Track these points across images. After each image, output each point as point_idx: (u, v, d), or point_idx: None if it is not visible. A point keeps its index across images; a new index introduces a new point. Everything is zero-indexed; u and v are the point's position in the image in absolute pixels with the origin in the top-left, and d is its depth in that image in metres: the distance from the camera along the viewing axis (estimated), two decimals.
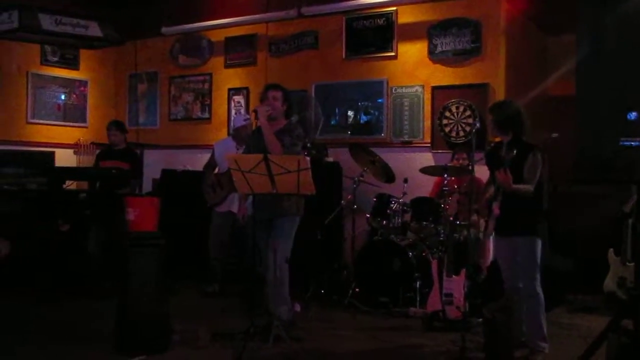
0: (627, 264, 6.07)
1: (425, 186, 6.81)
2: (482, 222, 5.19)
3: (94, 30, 8.25)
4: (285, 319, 5.13)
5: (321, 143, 7.63)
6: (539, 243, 4.69)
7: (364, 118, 7.79)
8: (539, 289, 4.71)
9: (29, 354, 4.72)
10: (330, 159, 7.48)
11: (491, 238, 5.10)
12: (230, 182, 6.43)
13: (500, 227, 4.71)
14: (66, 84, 9.36)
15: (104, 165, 7.19)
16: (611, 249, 6.24)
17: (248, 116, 6.93)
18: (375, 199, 6.62)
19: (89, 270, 6.76)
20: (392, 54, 7.60)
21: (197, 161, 7.82)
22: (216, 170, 6.90)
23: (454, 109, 7.15)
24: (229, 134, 8.29)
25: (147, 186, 8.06)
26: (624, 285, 6.04)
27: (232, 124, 6.78)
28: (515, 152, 4.46)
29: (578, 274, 6.64)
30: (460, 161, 6.50)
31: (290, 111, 5.40)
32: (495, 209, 4.60)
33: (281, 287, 5.14)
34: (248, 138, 6.39)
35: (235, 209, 6.50)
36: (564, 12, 6.23)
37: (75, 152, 9.36)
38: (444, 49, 7.28)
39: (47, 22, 7.70)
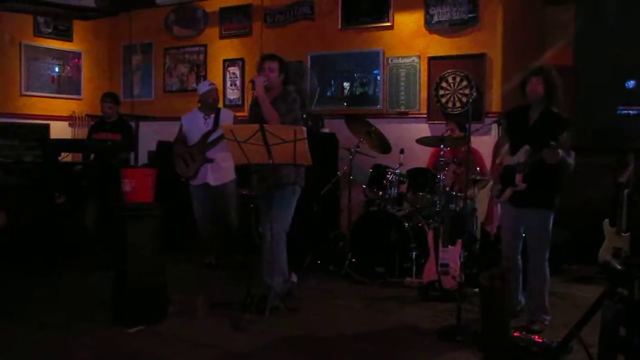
0: (623, 234, 6.09)
1: (422, 157, 6.80)
2: (490, 185, 5.13)
3: (87, 0, 8.17)
4: (281, 290, 5.14)
5: (317, 114, 7.60)
6: (551, 217, 4.65)
7: (360, 89, 7.75)
8: (546, 264, 4.69)
9: (27, 326, 4.73)
10: (327, 130, 7.46)
11: (499, 205, 5.03)
12: (201, 153, 6.47)
13: (517, 198, 4.65)
14: (60, 55, 9.26)
15: (97, 137, 7.13)
16: (606, 220, 6.25)
17: (212, 82, 6.91)
18: (371, 170, 6.61)
19: (86, 242, 6.77)
20: (389, 24, 7.53)
21: None
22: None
23: (450, 79, 7.12)
24: (224, 105, 8.26)
25: (142, 158, 8.02)
26: (619, 255, 6.05)
27: (198, 91, 6.72)
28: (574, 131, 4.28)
29: (573, 244, 6.66)
30: (449, 132, 6.44)
31: (287, 81, 5.36)
32: (520, 182, 4.56)
33: (277, 258, 5.12)
34: (214, 104, 6.61)
35: (210, 179, 6.50)
36: None
37: (70, 125, 9.30)
38: (440, 19, 7.22)
39: None
